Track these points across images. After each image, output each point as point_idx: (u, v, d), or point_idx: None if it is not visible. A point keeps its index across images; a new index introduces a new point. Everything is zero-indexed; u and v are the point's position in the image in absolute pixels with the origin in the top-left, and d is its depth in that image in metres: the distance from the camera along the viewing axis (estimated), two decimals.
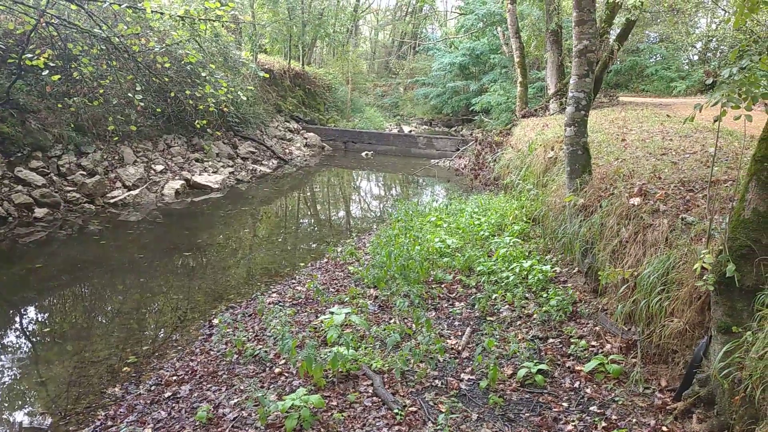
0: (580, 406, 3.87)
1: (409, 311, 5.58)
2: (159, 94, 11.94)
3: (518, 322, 5.28)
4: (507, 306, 5.61)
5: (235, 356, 5.10)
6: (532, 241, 7.57)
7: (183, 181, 13.17)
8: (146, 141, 14.21)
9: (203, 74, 10.23)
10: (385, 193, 16.27)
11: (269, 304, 6.54)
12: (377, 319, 5.60)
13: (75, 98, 9.68)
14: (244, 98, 10.42)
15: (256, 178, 15.64)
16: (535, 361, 4.42)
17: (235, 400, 4.29)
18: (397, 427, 3.73)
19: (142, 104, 11.82)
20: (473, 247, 7.40)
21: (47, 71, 9.86)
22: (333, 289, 6.81)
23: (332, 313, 5.24)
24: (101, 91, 10.28)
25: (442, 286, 6.39)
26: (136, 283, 7.62)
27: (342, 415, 3.92)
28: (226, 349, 5.29)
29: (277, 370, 4.74)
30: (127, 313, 6.62)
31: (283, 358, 4.90)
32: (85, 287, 7.61)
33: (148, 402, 4.45)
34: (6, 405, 4.64)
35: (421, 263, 6.51)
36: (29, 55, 9.12)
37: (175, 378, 4.83)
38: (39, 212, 10.01)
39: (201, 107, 9.61)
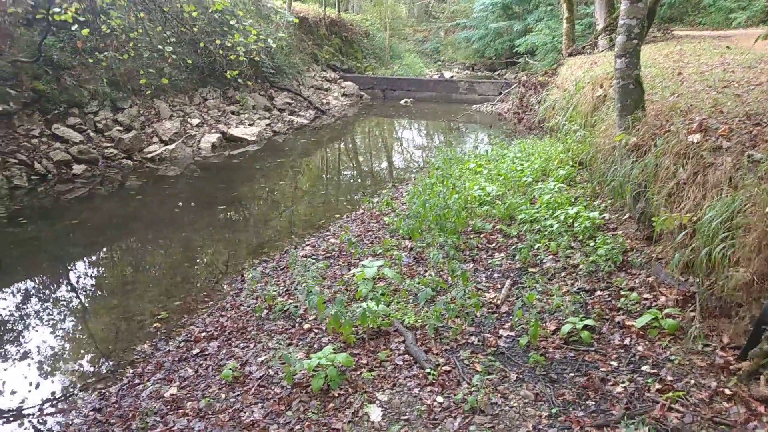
0: (631, 366, 3.53)
1: (444, 263, 5.27)
2: (189, 45, 11.66)
3: (562, 274, 4.91)
4: (550, 256, 5.23)
5: (265, 311, 4.94)
6: (578, 186, 7.08)
7: (219, 135, 13.04)
8: (182, 95, 14.08)
9: (231, 22, 9.86)
10: (425, 141, 15.79)
11: (302, 257, 6.35)
12: (411, 272, 5.33)
13: (106, 53, 9.51)
14: (273, 45, 10.02)
15: (293, 130, 15.39)
16: (580, 315, 4.07)
17: (263, 358, 4.13)
18: (429, 388, 3.48)
19: (173, 56, 11.62)
20: (515, 194, 6.98)
21: (76, 26, 9.71)
22: (367, 241, 6.56)
23: (364, 266, 5.00)
24: (131, 44, 10.08)
25: (481, 236, 6.03)
26: (175, 237, 7.57)
27: (371, 375, 3.70)
28: (256, 304, 5.13)
29: (306, 326, 4.56)
30: (164, 269, 6.57)
31: (313, 314, 4.71)
32: (125, 243, 7.61)
33: (176, 359, 4.35)
34: (34, 361, 4.63)
35: (458, 212, 6.15)
36: (57, 9, 8.95)
37: (204, 334, 4.72)
38: (77, 169, 10.06)
39: (232, 57, 9.30)
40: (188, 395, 3.79)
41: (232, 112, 14.55)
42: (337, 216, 8.18)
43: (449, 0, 42.32)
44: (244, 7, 12.85)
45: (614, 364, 3.57)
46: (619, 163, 5.51)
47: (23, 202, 8.70)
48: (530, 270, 5.06)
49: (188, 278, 6.25)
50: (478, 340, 4.01)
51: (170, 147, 11.69)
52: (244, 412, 3.49)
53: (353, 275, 5.17)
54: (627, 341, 3.79)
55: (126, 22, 9.88)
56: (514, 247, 5.61)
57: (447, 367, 3.68)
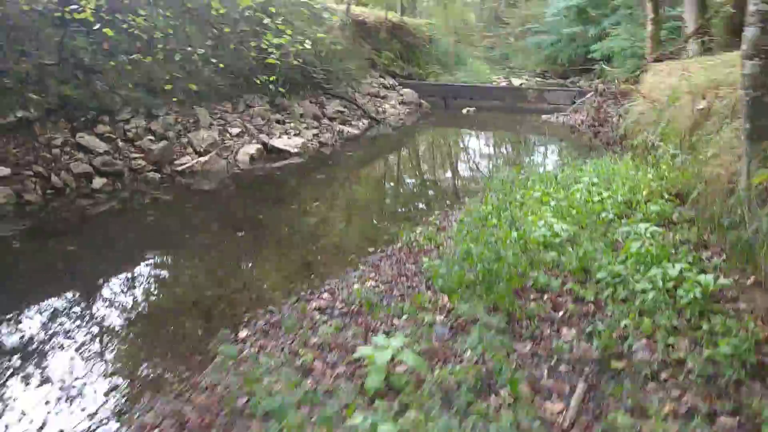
0: None
1: (491, 342, 3.81)
2: (229, 48, 10.69)
3: (663, 375, 3.36)
4: (644, 341, 3.67)
5: (242, 400, 3.65)
6: (678, 228, 5.42)
7: (259, 146, 12.01)
8: (225, 102, 13.19)
9: (265, 21, 8.77)
10: (485, 157, 14.22)
11: (314, 310, 5.06)
12: (444, 353, 3.90)
13: (132, 56, 8.66)
14: (308, 46, 8.85)
15: (343, 141, 14.21)
16: None
17: None
18: None
19: (213, 60, 10.68)
20: (591, 237, 5.41)
21: (98, 24, 8.88)
22: (397, 292, 5.19)
23: (376, 345, 3.64)
24: (160, 46, 9.17)
25: (545, 297, 4.53)
26: (172, 273, 6.46)
27: None
28: (236, 385, 3.86)
29: None
30: (143, 318, 5.42)
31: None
32: (104, 280, 6.53)
33: None
34: None
35: (514, 263, 4.65)
36: (74, 7, 8.11)
37: None
38: (97, 183, 9.20)
39: (271, 61, 8.22)
40: None
41: (277, 121, 13.52)
42: (371, 250, 6.85)
43: (520, 4, 40.39)
44: (292, 7, 11.84)
45: None
46: (747, 208, 3.88)
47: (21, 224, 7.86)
48: (614, 364, 3.53)
49: (171, 335, 5.07)
50: None
51: (203, 159, 10.73)
52: None
53: (361, 358, 3.80)
54: None
55: (151, 22, 8.97)
56: (590, 320, 4.08)
57: None
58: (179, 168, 10.44)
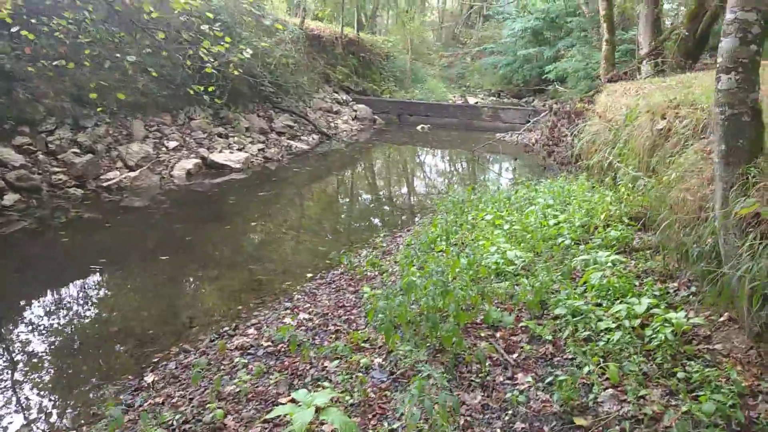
0: None
1: (434, 392, 3.21)
2: (154, 54, 9.92)
3: None
4: (610, 391, 3.15)
5: None
6: (640, 255, 4.98)
7: (198, 160, 11.23)
8: (164, 113, 12.36)
9: (203, 27, 8.08)
10: (438, 175, 13.78)
11: (235, 349, 4.37)
12: (381, 407, 3.28)
13: (56, 62, 7.81)
14: (247, 56, 8.19)
15: (291, 156, 13.53)
16: None
17: None
18: None
19: (150, 68, 9.87)
20: (547, 265, 4.91)
21: (17, 27, 8.03)
22: (332, 327, 4.56)
23: (294, 402, 3.00)
24: (87, 51, 8.34)
25: (497, 335, 3.98)
26: (79, 306, 5.64)
27: None
28: None
29: None
30: (36, 362, 4.60)
31: None
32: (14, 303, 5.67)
33: None
34: None
35: (462, 297, 4.08)
36: None
37: None
38: (8, 199, 8.24)
39: (208, 70, 7.53)
40: None
41: (219, 135, 12.76)
42: (310, 275, 6.20)
43: (477, 25, 40.76)
44: (237, 16, 11.18)
45: None
46: (723, 240, 3.43)
47: None
48: (578, 420, 2.98)
49: (63, 381, 4.29)
50: None
51: (132, 174, 9.87)
52: None
53: (278, 417, 3.15)
54: None
55: (76, 25, 8.16)
56: (548, 364, 3.54)
57: None
58: (106, 183, 9.56)
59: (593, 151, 8.89)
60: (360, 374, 3.63)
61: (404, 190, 12.04)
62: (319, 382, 3.60)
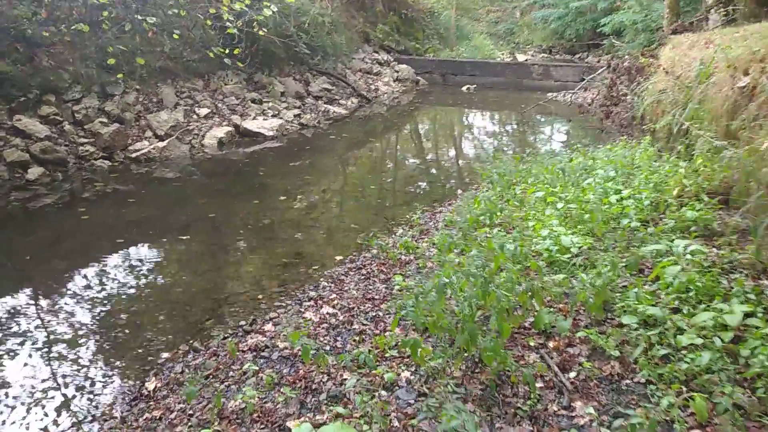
0: None
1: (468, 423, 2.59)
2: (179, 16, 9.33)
3: None
4: None
5: None
6: (723, 241, 4.15)
7: (230, 128, 10.74)
8: (196, 78, 11.89)
9: None
10: (484, 140, 12.89)
11: (246, 351, 3.87)
12: None
13: (73, 26, 7.37)
14: (266, 16, 7.50)
15: (327, 122, 12.89)
16: None
17: None
18: None
19: (176, 31, 9.36)
20: (610, 253, 4.16)
21: None
22: (357, 326, 3.98)
23: None
24: (105, 13, 7.86)
25: (550, 345, 3.31)
26: (74, 295, 5.24)
27: None
28: None
29: None
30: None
31: None
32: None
33: None
34: None
35: (507, 299, 3.40)
36: None
37: None
38: (33, 173, 7.98)
39: (230, 31, 6.94)
40: None
41: (253, 101, 12.21)
42: (339, 258, 5.64)
43: None
44: None
45: None
46: None
47: None
48: None
49: (61, 385, 3.88)
50: None
51: (161, 144, 9.47)
52: None
53: None
54: None
55: None
56: (613, 389, 2.86)
57: None
58: (134, 154, 9.19)
59: (659, 113, 7.91)
60: (383, 392, 3.06)
61: (447, 158, 11.26)
62: (334, 403, 3.04)
